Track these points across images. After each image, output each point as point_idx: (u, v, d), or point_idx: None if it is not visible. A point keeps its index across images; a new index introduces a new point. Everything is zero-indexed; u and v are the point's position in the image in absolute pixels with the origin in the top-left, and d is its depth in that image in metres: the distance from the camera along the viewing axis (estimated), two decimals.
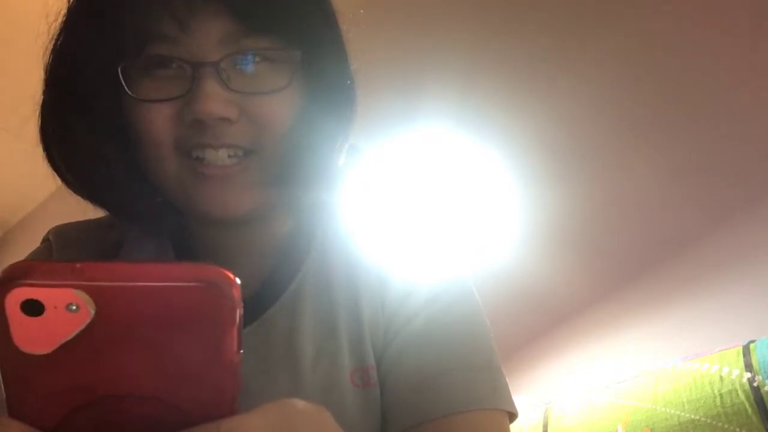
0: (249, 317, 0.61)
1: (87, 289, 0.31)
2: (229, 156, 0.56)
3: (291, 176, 0.59)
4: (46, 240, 0.69)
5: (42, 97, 0.59)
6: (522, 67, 1.83)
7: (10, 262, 0.72)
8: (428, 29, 1.78)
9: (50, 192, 2.35)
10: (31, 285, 0.30)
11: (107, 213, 0.64)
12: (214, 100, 0.54)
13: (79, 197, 0.62)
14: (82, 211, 0.65)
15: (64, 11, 0.58)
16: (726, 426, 1.39)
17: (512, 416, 0.59)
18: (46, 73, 0.59)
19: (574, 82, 1.82)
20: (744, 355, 1.44)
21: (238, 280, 0.32)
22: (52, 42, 0.59)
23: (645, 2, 1.69)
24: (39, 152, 0.60)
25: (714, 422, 1.41)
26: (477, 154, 2.01)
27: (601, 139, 1.91)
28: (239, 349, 0.33)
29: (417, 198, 2.08)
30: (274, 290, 0.62)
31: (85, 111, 0.57)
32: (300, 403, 0.39)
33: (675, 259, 2.05)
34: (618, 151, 1.92)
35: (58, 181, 0.61)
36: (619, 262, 2.13)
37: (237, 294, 0.32)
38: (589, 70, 1.80)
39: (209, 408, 0.34)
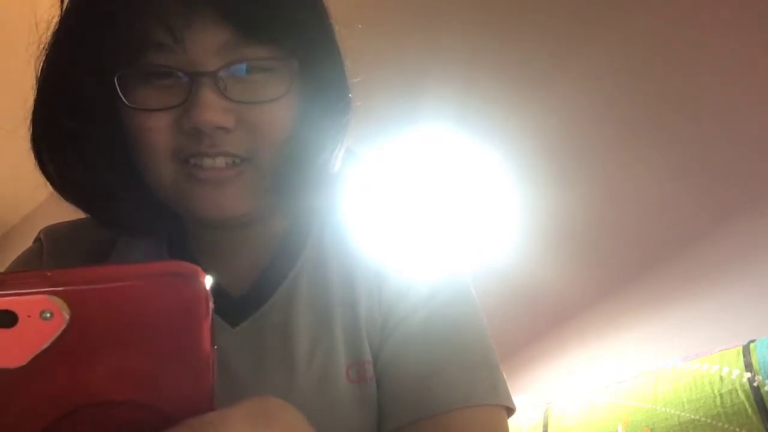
0: (244, 313, 0.62)
1: (61, 294, 0.30)
2: (226, 163, 0.56)
3: (287, 183, 0.59)
4: (37, 240, 0.70)
5: (33, 105, 0.59)
6: (522, 67, 1.83)
7: (11, 262, 0.71)
8: (428, 29, 1.78)
9: (51, 192, 2.35)
10: (3, 295, 0.30)
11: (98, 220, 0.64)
12: (212, 109, 0.54)
13: None
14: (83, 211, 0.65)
15: (56, 19, 0.58)
16: (726, 426, 1.39)
17: (510, 411, 0.59)
18: (37, 81, 0.59)
19: (574, 82, 1.82)
20: (744, 355, 1.44)
21: (207, 274, 0.33)
22: (44, 50, 0.58)
23: (645, 2, 1.69)
24: None
25: (714, 422, 1.41)
26: (477, 155, 2.01)
27: (601, 139, 1.92)
28: (213, 343, 0.33)
29: (416, 198, 2.08)
30: (269, 286, 0.62)
31: (76, 119, 0.57)
32: (275, 399, 0.39)
33: (675, 259, 2.05)
34: (618, 151, 1.92)
35: None
36: (619, 262, 2.13)
37: (206, 285, 0.32)
38: (590, 71, 1.80)
39: (188, 406, 0.34)
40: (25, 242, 0.71)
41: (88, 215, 0.65)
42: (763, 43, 1.67)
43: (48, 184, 0.62)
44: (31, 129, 0.60)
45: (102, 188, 0.60)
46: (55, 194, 0.62)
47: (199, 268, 0.32)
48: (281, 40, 0.56)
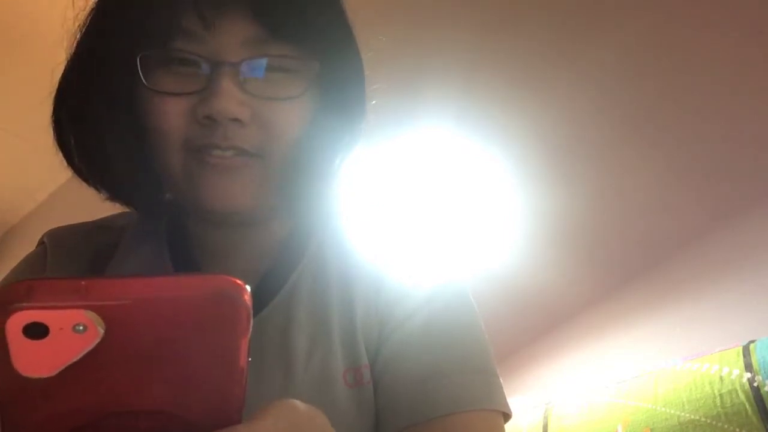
0: None
1: (96, 309, 0.29)
2: (235, 155, 0.57)
3: (293, 185, 0.59)
4: (41, 243, 0.69)
5: (62, 76, 0.60)
6: (522, 66, 1.83)
7: (11, 262, 0.72)
8: (428, 29, 1.78)
9: (50, 192, 2.35)
10: (35, 308, 0.28)
11: (108, 197, 0.63)
12: (229, 99, 0.54)
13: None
14: (82, 211, 0.65)
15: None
16: (726, 426, 1.39)
17: (506, 417, 0.59)
18: (70, 53, 0.59)
19: (574, 82, 1.82)
20: (744, 356, 1.44)
21: (248, 288, 0.32)
22: (79, 27, 0.59)
23: (645, 2, 1.69)
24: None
25: (714, 422, 1.41)
26: (477, 154, 2.01)
27: (602, 139, 1.92)
28: (248, 356, 0.33)
29: (416, 198, 2.08)
30: (269, 290, 0.62)
31: (103, 95, 0.57)
32: (300, 405, 0.39)
33: (675, 259, 2.06)
34: (618, 151, 1.92)
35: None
36: (619, 262, 2.14)
37: (249, 303, 0.31)
38: (590, 70, 1.80)
39: (216, 417, 0.34)
40: (24, 242, 0.71)
41: (93, 218, 0.64)
42: (764, 43, 1.67)
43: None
44: (55, 100, 0.60)
45: (118, 163, 0.59)
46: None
47: (242, 285, 0.31)
48: (305, 41, 0.57)
